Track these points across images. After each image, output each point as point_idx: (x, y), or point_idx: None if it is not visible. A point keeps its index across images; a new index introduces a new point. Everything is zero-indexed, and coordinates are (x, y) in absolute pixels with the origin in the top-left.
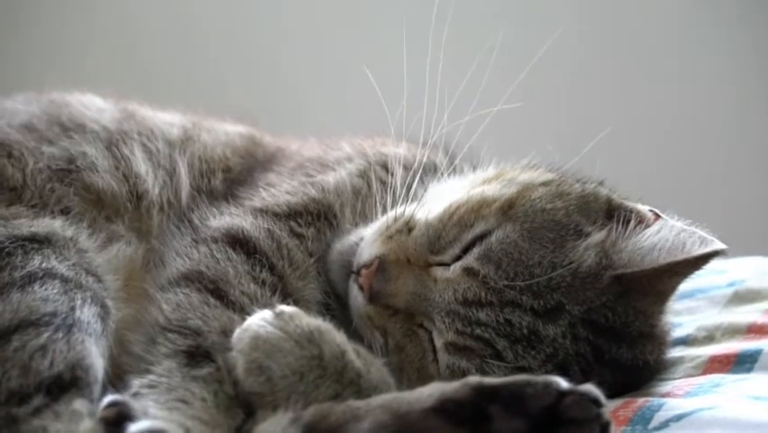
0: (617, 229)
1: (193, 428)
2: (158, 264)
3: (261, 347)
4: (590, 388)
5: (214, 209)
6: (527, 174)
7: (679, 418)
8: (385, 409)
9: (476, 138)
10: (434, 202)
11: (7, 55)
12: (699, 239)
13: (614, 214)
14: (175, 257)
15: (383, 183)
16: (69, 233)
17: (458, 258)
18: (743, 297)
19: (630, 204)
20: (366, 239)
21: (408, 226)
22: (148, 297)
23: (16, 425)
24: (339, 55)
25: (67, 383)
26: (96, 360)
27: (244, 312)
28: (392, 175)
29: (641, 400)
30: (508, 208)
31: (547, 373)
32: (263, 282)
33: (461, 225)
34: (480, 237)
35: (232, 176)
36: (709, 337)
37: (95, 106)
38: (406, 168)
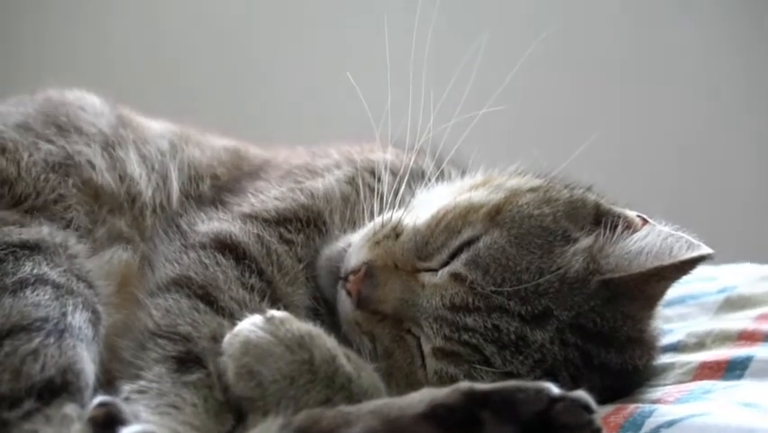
0: (604, 234)
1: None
2: (148, 269)
3: (252, 352)
4: (582, 394)
5: (203, 214)
6: (515, 180)
7: (670, 424)
8: (375, 415)
9: (462, 142)
10: (422, 208)
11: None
12: (686, 243)
13: (602, 219)
14: (164, 262)
15: (371, 189)
16: (59, 239)
17: (445, 264)
18: (734, 303)
19: (618, 209)
20: (354, 245)
21: (396, 232)
22: (137, 302)
23: (7, 428)
24: (321, 60)
25: (58, 388)
26: (87, 365)
27: (234, 318)
28: (380, 181)
29: (632, 407)
30: (496, 214)
31: (536, 378)
32: (252, 288)
33: (449, 231)
34: (468, 243)
35: (220, 183)
36: (700, 344)
37: (92, 109)
38: (394, 173)
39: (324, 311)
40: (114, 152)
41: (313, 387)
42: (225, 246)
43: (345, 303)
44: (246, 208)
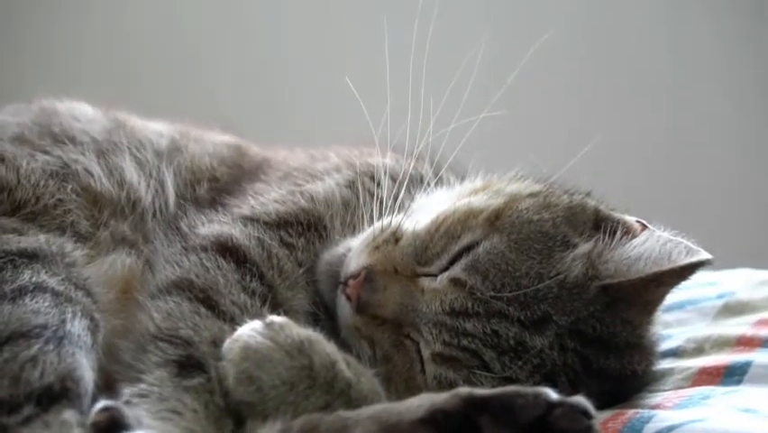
0: (603, 240)
1: None
2: (149, 272)
3: (252, 357)
4: (580, 399)
5: (203, 216)
6: (515, 185)
7: (669, 430)
8: (374, 420)
9: (461, 147)
10: (422, 213)
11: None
12: (685, 249)
13: (601, 225)
14: (164, 264)
15: (371, 194)
16: (55, 248)
17: (445, 269)
18: (732, 309)
19: (617, 215)
20: (353, 250)
21: (396, 237)
22: (138, 304)
23: None
24: (320, 64)
25: (57, 394)
26: (86, 372)
27: (234, 322)
28: (379, 186)
29: (631, 412)
30: (495, 219)
31: (535, 383)
32: (253, 292)
33: (449, 237)
34: (468, 248)
35: (219, 185)
36: (699, 349)
37: (84, 117)
38: (393, 178)
39: (323, 316)
40: (110, 159)
41: (312, 392)
42: (226, 249)
43: (345, 308)
44: (246, 211)
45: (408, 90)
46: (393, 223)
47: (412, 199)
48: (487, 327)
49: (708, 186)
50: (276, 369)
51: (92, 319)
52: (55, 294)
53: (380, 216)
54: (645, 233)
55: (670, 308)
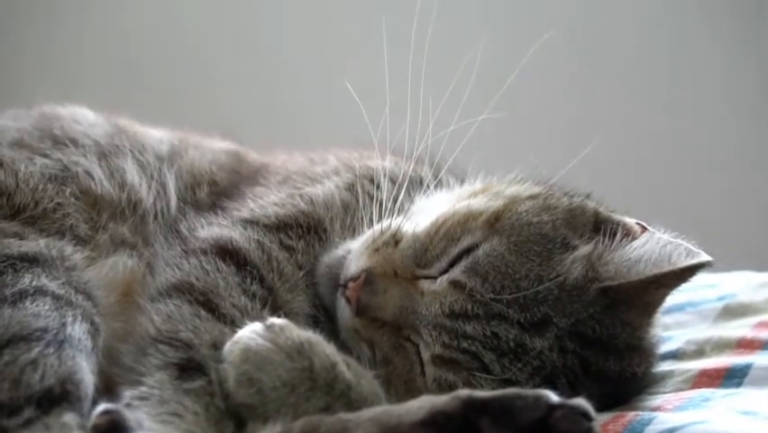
0: (603, 242)
1: None
2: (149, 274)
3: (252, 360)
4: (581, 402)
5: (203, 220)
6: (514, 187)
7: (669, 432)
8: (375, 422)
9: (461, 149)
10: (421, 215)
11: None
12: (685, 251)
13: (601, 227)
14: (164, 267)
15: (370, 196)
16: (55, 252)
17: (445, 271)
18: (733, 311)
19: (617, 217)
20: (353, 252)
21: (395, 239)
22: (138, 307)
23: None
24: (318, 66)
25: (57, 397)
26: (87, 375)
27: (235, 325)
28: (379, 188)
29: (631, 414)
30: (495, 221)
31: (535, 385)
32: (254, 295)
33: (448, 239)
34: (467, 251)
35: (218, 189)
36: (699, 351)
37: (86, 121)
38: (393, 181)
39: (323, 318)
40: (112, 161)
41: (313, 394)
42: (226, 252)
43: (344, 310)
44: (246, 214)
45: (407, 92)
46: (393, 225)
47: (411, 202)
48: (486, 330)
49: (708, 188)
50: (276, 371)
51: (92, 323)
52: (55, 298)
53: (380, 218)
54: (645, 235)
55: (670, 310)
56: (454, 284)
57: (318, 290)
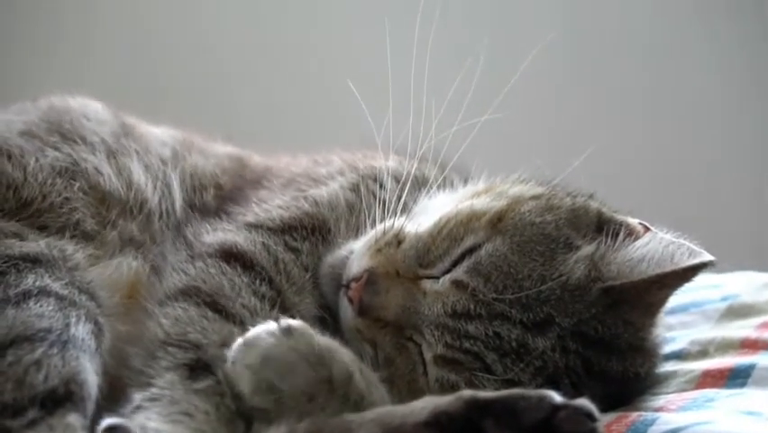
0: (606, 242)
1: None
2: (156, 278)
3: (273, 367)
4: (584, 402)
5: (208, 225)
6: (517, 188)
7: (673, 432)
8: (378, 423)
9: (464, 150)
10: (424, 215)
11: (5, 58)
12: (687, 251)
13: (604, 227)
14: (171, 272)
15: (374, 196)
16: (56, 252)
17: (447, 271)
18: (736, 311)
19: (620, 217)
20: (356, 252)
21: (398, 239)
22: (146, 312)
23: None
24: (321, 67)
25: (61, 398)
26: (90, 376)
27: (244, 325)
28: (382, 188)
29: (634, 415)
30: (498, 221)
31: (537, 386)
32: (263, 296)
33: (451, 239)
34: (470, 251)
35: (223, 193)
36: (703, 352)
37: (96, 117)
38: (396, 181)
39: (330, 320)
40: (119, 160)
41: (329, 404)
42: (231, 255)
43: (347, 310)
44: (250, 218)
45: (410, 93)
46: (395, 225)
47: (415, 202)
48: (489, 330)
49: (711, 188)
50: (297, 380)
51: (96, 323)
52: (59, 298)
53: (383, 218)
54: (648, 235)
55: (673, 311)
56: (457, 284)
57: (321, 290)
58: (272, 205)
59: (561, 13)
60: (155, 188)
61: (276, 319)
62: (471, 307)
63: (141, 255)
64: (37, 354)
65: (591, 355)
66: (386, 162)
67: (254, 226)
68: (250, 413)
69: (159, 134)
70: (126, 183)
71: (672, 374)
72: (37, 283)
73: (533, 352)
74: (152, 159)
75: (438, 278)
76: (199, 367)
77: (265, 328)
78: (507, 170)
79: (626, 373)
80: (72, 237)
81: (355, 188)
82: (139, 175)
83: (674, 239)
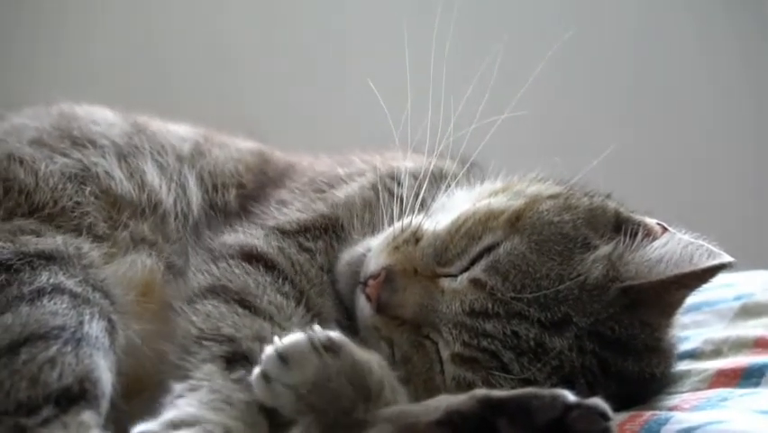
0: (624, 242)
1: (236, 428)
2: (177, 277)
3: (319, 392)
4: (598, 401)
5: (228, 226)
6: (535, 187)
7: (686, 432)
8: (391, 421)
9: (482, 147)
10: (442, 213)
11: (12, 56)
12: (706, 252)
13: (622, 227)
14: (195, 273)
15: (391, 194)
16: (72, 249)
17: (465, 269)
18: (750, 311)
19: (638, 217)
20: (373, 250)
21: (416, 237)
22: (173, 310)
23: None
24: (340, 65)
25: (75, 396)
26: (104, 374)
27: (273, 321)
28: (400, 186)
29: (648, 414)
30: (516, 220)
31: (553, 385)
32: (287, 294)
33: (469, 238)
34: (488, 249)
35: (246, 192)
36: (716, 351)
37: (104, 121)
38: (415, 179)
39: (345, 323)
40: (131, 162)
41: (357, 413)
42: (252, 257)
43: (365, 308)
44: (269, 221)
45: (429, 90)
46: (413, 223)
47: (433, 200)
48: (507, 328)
49: (726, 188)
50: (343, 403)
51: (109, 321)
52: (73, 295)
53: (401, 216)
54: (666, 235)
55: (687, 310)
56: (475, 282)
57: (337, 288)
58: (291, 208)
59: (578, 11)
60: (169, 189)
61: (306, 322)
62: (489, 305)
63: (155, 253)
64: (51, 351)
65: (608, 356)
66: (406, 163)
67: (272, 229)
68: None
69: (177, 131)
70: (138, 185)
71: (686, 374)
72: (51, 280)
73: (550, 351)
74: (168, 158)
75: (456, 276)
76: (235, 360)
77: (305, 343)
78: (525, 168)
79: (642, 373)
80: (87, 237)
81: (373, 187)
82: (152, 176)
83: (693, 240)
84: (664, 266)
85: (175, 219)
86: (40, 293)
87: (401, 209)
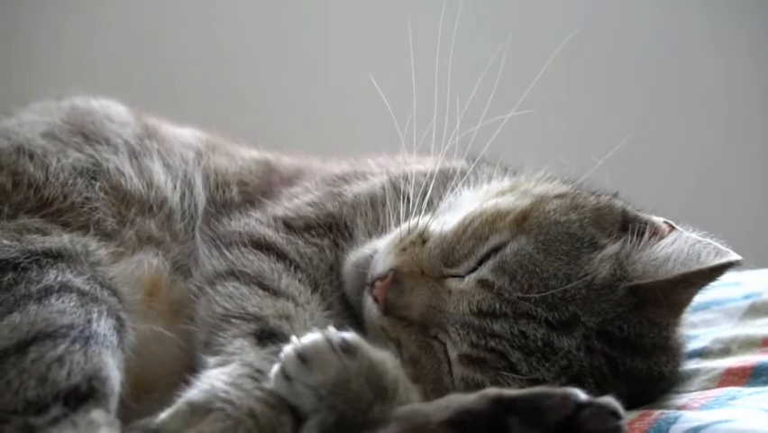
0: (631, 241)
1: (260, 412)
2: (184, 277)
3: (335, 390)
4: (609, 400)
5: (237, 214)
6: (542, 186)
7: (695, 430)
8: (403, 420)
9: (489, 146)
10: (449, 213)
11: (12, 55)
12: (713, 250)
13: (629, 226)
14: (209, 257)
15: (400, 195)
16: (80, 247)
17: (472, 270)
18: (759, 309)
19: (645, 216)
20: (380, 251)
21: (423, 238)
22: (192, 292)
23: None
24: (344, 65)
25: (84, 394)
26: (113, 372)
27: (296, 301)
28: (408, 183)
29: (657, 413)
30: (522, 220)
31: (562, 385)
32: (301, 281)
33: (476, 238)
34: (495, 250)
35: (249, 189)
36: (725, 350)
37: (118, 119)
38: (421, 180)
39: (353, 323)
40: (141, 161)
41: (372, 413)
42: (262, 245)
43: (372, 309)
44: (279, 211)
45: (434, 90)
46: (420, 224)
47: (440, 200)
48: (514, 328)
49: (735, 186)
50: (361, 405)
51: (118, 319)
52: (81, 294)
53: (407, 217)
54: (673, 234)
55: (695, 309)
56: (482, 283)
57: (344, 289)
58: (302, 201)
59: (586, 9)
60: (175, 187)
61: (322, 310)
62: (497, 306)
63: (161, 253)
64: (59, 350)
65: (616, 355)
66: (417, 165)
67: (281, 221)
68: None
69: (182, 135)
70: (147, 183)
71: (695, 373)
72: (59, 279)
73: (558, 351)
74: (175, 159)
75: (463, 277)
76: (265, 336)
77: (322, 344)
78: (531, 167)
79: (651, 372)
80: (95, 235)
81: (384, 188)
82: (159, 175)
83: (700, 238)
84: (672, 265)
85: (182, 218)
86: (47, 291)
87: (408, 210)
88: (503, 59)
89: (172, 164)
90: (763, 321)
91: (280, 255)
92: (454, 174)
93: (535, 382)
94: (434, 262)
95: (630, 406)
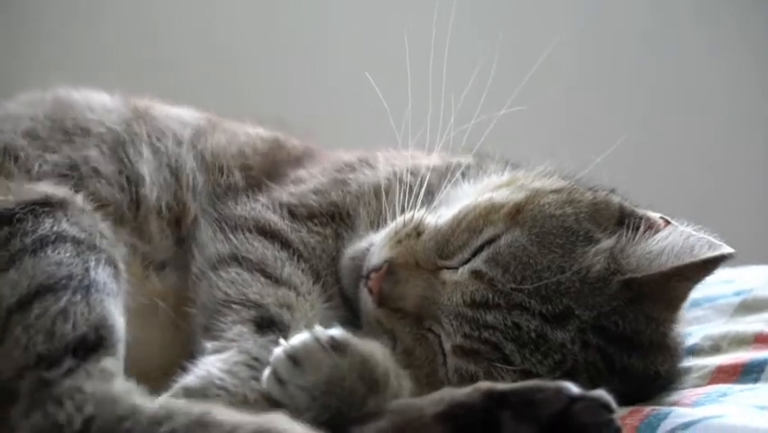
0: (626, 235)
1: (254, 400)
2: (160, 273)
3: (327, 388)
4: (602, 393)
5: (241, 197)
6: (540, 181)
7: (686, 426)
8: (395, 414)
9: (489, 141)
10: (445, 207)
11: (12, 54)
12: (707, 243)
13: (625, 221)
14: (213, 240)
15: (404, 188)
16: (89, 207)
17: (466, 262)
18: (750, 306)
19: (641, 211)
20: (376, 244)
21: (417, 231)
22: (194, 274)
23: (49, 388)
24: (342, 63)
25: (93, 344)
26: (118, 319)
27: (298, 291)
28: (412, 176)
29: (648, 409)
30: (516, 213)
31: (556, 380)
32: (304, 271)
33: (470, 231)
34: (489, 242)
35: (253, 173)
36: (716, 347)
37: (101, 108)
38: (418, 174)
39: (350, 317)
40: (125, 151)
41: (363, 408)
42: (267, 232)
43: (367, 301)
44: (284, 197)
45: (429, 86)
46: (415, 217)
47: (437, 193)
48: (508, 320)
49: (728, 182)
50: (355, 400)
51: (116, 267)
52: (76, 242)
53: (404, 210)
54: (668, 228)
55: (687, 306)
56: (475, 274)
57: (342, 283)
58: (307, 188)
59: (584, 5)
60: (158, 176)
61: (323, 301)
62: (490, 296)
63: (130, 253)
64: (62, 303)
65: (612, 351)
66: (422, 159)
67: (285, 208)
68: None
69: (179, 115)
70: (127, 180)
71: (686, 370)
72: (54, 228)
73: (552, 343)
74: (167, 142)
75: (457, 268)
76: (264, 324)
77: (312, 344)
78: (530, 163)
79: (647, 370)
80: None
81: (387, 179)
82: (143, 165)
83: (694, 232)
84: (666, 258)
85: (157, 216)
86: (42, 243)
87: (404, 203)
88: (496, 56)
89: (162, 148)
90: (753, 318)
91: (285, 243)
92: (450, 169)
93: (529, 374)
94: (428, 254)
95: (626, 404)
